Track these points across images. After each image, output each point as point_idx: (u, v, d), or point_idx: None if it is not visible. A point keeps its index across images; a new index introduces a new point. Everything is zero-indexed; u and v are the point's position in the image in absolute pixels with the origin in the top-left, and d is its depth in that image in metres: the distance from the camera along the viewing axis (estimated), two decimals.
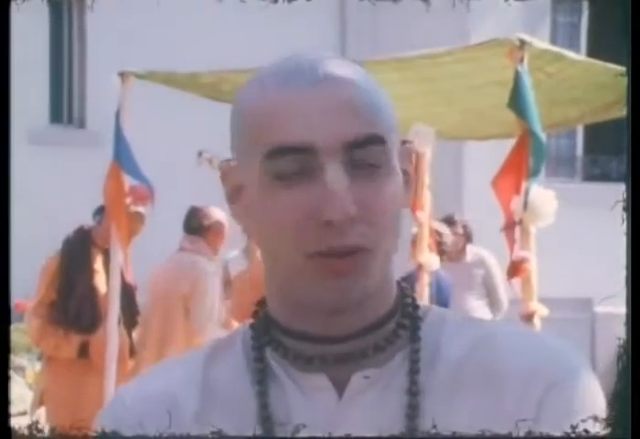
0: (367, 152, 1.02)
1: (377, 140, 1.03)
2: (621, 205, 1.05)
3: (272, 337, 1.09)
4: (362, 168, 1.02)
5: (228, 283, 5.88)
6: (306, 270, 1.03)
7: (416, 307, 1.11)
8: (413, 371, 1.07)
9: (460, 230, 6.97)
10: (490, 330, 1.11)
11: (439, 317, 1.12)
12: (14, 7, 1.09)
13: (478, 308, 6.96)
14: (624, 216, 1.05)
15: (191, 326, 5.28)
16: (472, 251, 7.10)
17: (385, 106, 1.06)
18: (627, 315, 1.03)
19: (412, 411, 1.05)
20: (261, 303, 1.12)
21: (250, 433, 1.05)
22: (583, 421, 1.02)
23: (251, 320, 1.12)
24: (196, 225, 5.49)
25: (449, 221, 6.99)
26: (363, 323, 1.07)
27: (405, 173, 1.08)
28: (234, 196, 1.08)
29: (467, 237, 7.02)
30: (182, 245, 5.54)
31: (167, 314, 5.32)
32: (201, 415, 1.07)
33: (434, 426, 1.03)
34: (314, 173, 1.01)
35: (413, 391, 1.06)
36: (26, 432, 1.04)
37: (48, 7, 9.46)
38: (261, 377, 1.08)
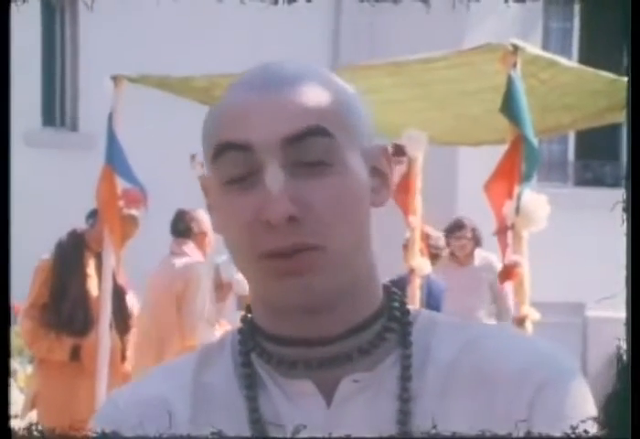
0: (309, 147, 1.02)
1: (318, 132, 1.02)
2: (617, 207, 1.06)
3: (257, 342, 1.09)
4: (306, 166, 1.02)
5: (219, 285, 5.89)
6: (261, 271, 1.04)
7: (405, 312, 1.10)
8: (404, 378, 1.06)
9: (468, 234, 6.92)
10: (480, 333, 1.11)
11: (429, 321, 1.11)
12: (13, 8, 1.09)
13: (483, 316, 6.91)
14: (624, 217, 1.05)
15: (183, 326, 5.30)
16: (480, 256, 7.04)
17: (340, 104, 1.05)
18: (627, 315, 1.04)
19: (404, 417, 1.05)
20: (249, 307, 1.12)
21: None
22: (582, 422, 1.03)
23: (240, 325, 1.12)
24: (183, 228, 5.55)
25: (458, 225, 6.96)
26: (345, 325, 1.06)
27: (377, 170, 1.08)
28: (211, 209, 1.10)
29: (476, 241, 6.94)
30: (172, 249, 5.57)
31: (162, 316, 5.35)
32: (193, 419, 1.07)
33: (434, 426, 1.03)
34: (256, 174, 1.03)
35: (405, 398, 1.05)
36: (25, 433, 1.04)
37: (41, 10, 9.46)
38: (249, 382, 1.08)
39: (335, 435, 1.03)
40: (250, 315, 1.11)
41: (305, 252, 1.02)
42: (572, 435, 1.01)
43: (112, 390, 1.24)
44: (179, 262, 5.49)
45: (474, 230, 6.92)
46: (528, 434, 1.02)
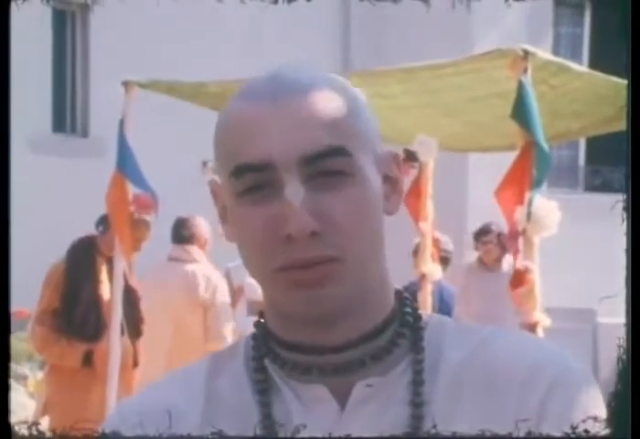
0: (328, 163, 1.02)
1: (338, 152, 1.02)
2: (620, 208, 1.06)
3: (270, 348, 1.10)
4: (324, 178, 1.02)
5: (231, 290, 5.92)
6: (277, 283, 1.04)
7: (417, 317, 1.11)
8: (417, 382, 1.07)
9: (494, 240, 6.87)
10: (489, 335, 1.11)
11: (440, 326, 1.11)
12: (14, 8, 1.09)
13: (509, 323, 6.84)
14: (624, 216, 1.05)
15: (210, 331, 5.37)
16: (509, 262, 6.98)
17: (355, 115, 1.05)
18: (627, 315, 1.04)
19: (416, 421, 1.05)
20: (262, 313, 1.12)
21: None
22: (583, 421, 1.03)
23: (253, 330, 1.13)
24: (187, 234, 5.59)
25: (484, 230, 6.92)
26: (358, 332, 1.07)
27: (388, 178, 1.09)
28: (223, 216, 1.10)
29: (503, 247, 6.86)
30: (177, 255, 5.57)
31: (185, 322, 5.40)
32: (205, 426, 1.07)
33: (434, 426, 1.03)
34: (275, 189, 1.02)
35: (417, 402, 1.06)
36: (26, 432, 1.04)
37: (52, 16, 9.49)
38: (263, 387, 1.08)
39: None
40: (263, 321, 1.12)
41: (324, 264, 1.02)
42: (572, 435, 1.01)
43: (124, 397, 1.23)
44: (195, 268, 5.52)
45: (500, 235, 6.83)
46: (529, 434, 1.02)
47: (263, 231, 1.02)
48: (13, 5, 1.09)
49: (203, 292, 5.46)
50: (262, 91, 1.04)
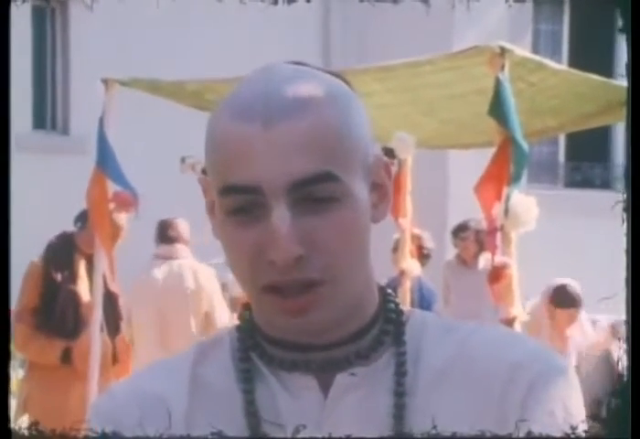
0: (315, 189, 1.02)
1: (327, 178, 1.02)
2: (617, 207, 1.07)
3: (257, 342, 1.11)
4: (312, 203, 1.02)
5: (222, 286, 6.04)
6: (263, 305, 1.06)
7: (400, 313, 1.12)
8: (399, 374, 1.08)
9: (472, 236, 6.88)
10: (471, 331, 1.12)
11: (421, 321, 1.13)
12: (13, 8, 1.10)
13: (487, 319, 6.85)
14: (624, 216, 1.06)
15: (214, 327, 5.46)
16: (486, 258, 6.98)
17: (346, 135, 1.04)
18: (627, 315, 1.05)
19: (399, 411, 1.07)
20: (247, 305, 1.13)
21: (237, 430, 1.07)
22: (583, 421, 1.04)
23: (238, 322, 1.14)
24: (174, 235, 5.71)
25: (462, 227, 6.93)
26: (346, 332, 1.09)
27: (376, 185, 1.08)
28: (211, 209, 1.10)
29: (480, 244, 6.86)
30: (163, 253, 5.65)
31: (184, 318, 5.54)
32: (190, 413, 1.09)
33: (434, 427, 1.04)
34: (262, 212, 1.03)
35: (399, 392, 1.07)
36: (25, 432, 1.05)
37: (31, 12, 9.46)
38: (248, 375, 1.10)
39: (327, 428, 1.05)
40: (248, 314, 1.13)
41: (307, 292, 1.03)
42: (572, 435, 1.02)
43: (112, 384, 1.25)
44: (181, 262, 5.63)
45: (478, 232, 6.84)
46: (529, 434, 1.03)
47: (248, 254, 1.03)
48: (13, 6, 1.10)
49: (192, 282, 5.57)
50: (253, 113, 1.02)
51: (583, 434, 1.03)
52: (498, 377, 1.07)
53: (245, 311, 1.13)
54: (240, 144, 1.02)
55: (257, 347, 1.11)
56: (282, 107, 1.02)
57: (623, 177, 1.09)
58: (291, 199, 1.02)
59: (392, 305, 1.12)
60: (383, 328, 1.10)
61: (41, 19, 9.79)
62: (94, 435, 1.08)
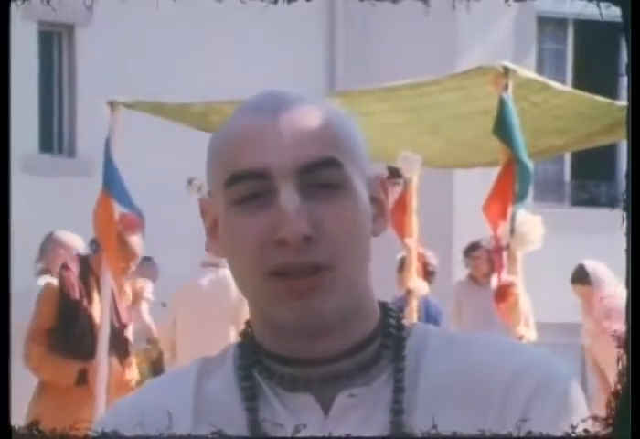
0: (321, 174, 1.06)
1: (332, 163, 1.06)
2: (617, 225, 1.07)
3: (258, 358, 1.12)
4: (318, 189, 1.06)
5: None
6: (267, 291, 1.06)
7: (400, 327, 1.13)
8: (397, 390, 1.08)
9: (483, 255, 6.90)
10: (471, 342, 1.13)
11: (422, 335, 1.13)
12: (13, 8, 1.10)
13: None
14: (624, 215, 1.06)
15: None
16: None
17: (346, 134, 1.10)
18: (627, 315, 1.05)
19: (397, 428, 1.07)
20: (249, 323, 1.14)
21: None
22: (583, 421, 1.04)
23: (239, 339, 1.15)
24: None
25: (474, 246, 6.96)
26: (345, 345, 1.09)
27: (375, 199, 1.11)
28: (212, 231, 1.12)
29: (492, 262, 6.86)
30: (211, 261, 5.75)
31: (222, 328, 5.66)
32: (194, 430, 1.09)
33: (434, 426, 1.05)
34: (270, 198, 1.06)
35: (397, 410, 1.08)
36: (25, 432, 1.06)
37: (37, 36, 9.51)
38: (250, 394, 1.10)
39: None
40: (249, 330, 1.14)
41: (315, 274, 1.05)
42: (572, 435, 1.02)
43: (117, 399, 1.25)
44: (227, 272, 5.72)
45: (490, 251, 6.84)
46: (529, 434, 1.03)
47: (256, 236, 1.05)
48: (13, 6, 1.11)
49: (235, 292, 5.67)
50: (264, 106, 1.08)
51: (583, 434, 1.03)
52: (498, 385, 1.08)
53: (247, 328, 1.14)
54: (250, 133, 1.07)
55: (258, 363, 1.12)
56: (292, 102, 1.09)
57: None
58: (298, 184, 1.05)
59: (392, 321, 1.13)
60: (383, 343, 1.11)
61: (48, 43, 9.84)
62: (94, 435, 1.09)
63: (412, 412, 1.08)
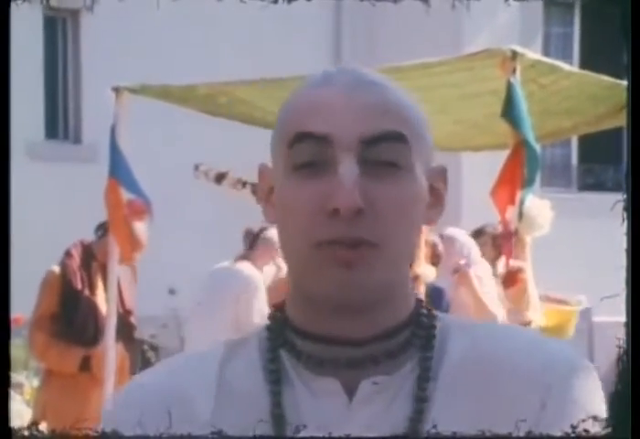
0: (385, 149, 1.06)
1: (397, 137, 1.07)
2: (617, 206, 1.06)
3: (287, 339, 1.12)
4: (378, 166, 1.06)
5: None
6: (313, 260, 1.06)
7: (431, 317, 1.13)
8: (422, 379, 1.09)
9: (489, 241, 6.89)
10: (489, 333, 1.13)
11: (444, 324, 1.14)
12: (13, 7, 1.10)
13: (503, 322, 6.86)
14: (624, 215, 1.06)
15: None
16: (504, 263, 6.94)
17: (416, 118, 1.10)
18: (627, 315, 1.05)
19: (418, 415, 1.07)
20: (278, 305, 1.15)
21: (263, 431, 1.06)
22: (584, 420, 1.04)
23: (268, 322, 1.14)
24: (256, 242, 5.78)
25: (479, 232, 6.96)
26: (378, 329, 1.09)
27: (434, 189, 1.12)
28: (266, 197, 1.13)
29: (497, 248, 6.87)
30: (245, 256, 5.80)
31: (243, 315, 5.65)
32: (216, 412, 1.09)
33: (434, 426, 1.05)
34: (329, 166, 1.06)
35: (421, 397, 1.08)
36: (25, 432, 1.05)
37: (42, 22, 9.48)
38: (275, 377, 1.10)
39: (353, 433, 1.05)
40: (279, 314, 1.13)
41: (361, 247, 1.05)
42: (572, 435, 1.02)
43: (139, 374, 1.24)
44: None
45: (495, 237, 6.86)
46: (529, 434, 1.03)
47: (310, 205, 1.05)
48: (13, 6, 1.10)
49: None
50: (338, 78, 1.09)
51: (584, 434, 1.03)
52: (517, 380, 1.07)
53: (275, 312, 1.14)
54: (321, 100, 1.07)
55: (286, 343, 1.11)
56: (365, 80, 1.09)
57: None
58: (360, 157, 1.05)
59: (424, 310, 1.13)
60: (415, 331, 1.11)
61: (52, 29, 9.81)
62: (95, 434, 1.08)
63: (433, 401, 1.08)
